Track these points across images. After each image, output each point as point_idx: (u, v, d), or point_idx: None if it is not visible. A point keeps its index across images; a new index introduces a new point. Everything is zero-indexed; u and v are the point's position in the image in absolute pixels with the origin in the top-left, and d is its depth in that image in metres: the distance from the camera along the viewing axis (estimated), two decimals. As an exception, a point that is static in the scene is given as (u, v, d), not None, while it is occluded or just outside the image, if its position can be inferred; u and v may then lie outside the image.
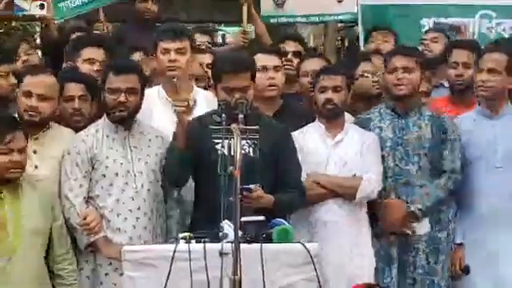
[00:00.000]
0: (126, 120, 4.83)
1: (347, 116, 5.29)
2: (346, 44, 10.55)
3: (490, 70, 5.16)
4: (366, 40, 7.04)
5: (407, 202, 5.09)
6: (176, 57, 5.14)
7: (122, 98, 4.74)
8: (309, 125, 5.13)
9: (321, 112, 5.10)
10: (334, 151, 5.03)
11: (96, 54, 5.57)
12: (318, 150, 5.02)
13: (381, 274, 5.08)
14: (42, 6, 6.21)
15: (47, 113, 4.83)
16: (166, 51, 5.16)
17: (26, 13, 6.32)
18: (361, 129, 5.16)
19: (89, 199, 4.77)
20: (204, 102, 5.13)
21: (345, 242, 4.94)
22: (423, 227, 5.12)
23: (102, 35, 6.58)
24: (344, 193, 4.98)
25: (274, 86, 5.31)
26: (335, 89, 5.04)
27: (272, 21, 7.14)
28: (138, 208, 4.75)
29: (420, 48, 6.19)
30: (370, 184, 4.97)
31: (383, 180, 5.10)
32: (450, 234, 5.19)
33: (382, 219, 5.11)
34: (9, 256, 4.46)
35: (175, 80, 4.93)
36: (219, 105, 4.65)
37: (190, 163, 4.64)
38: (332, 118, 5.07)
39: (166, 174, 4.77)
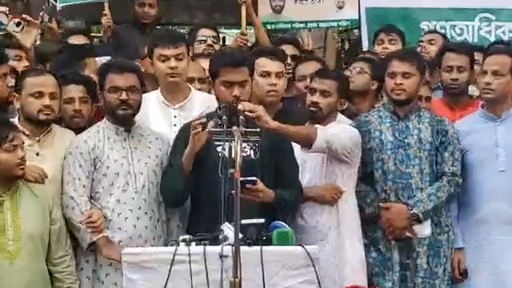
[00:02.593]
0: (128, 119, 4.84)
1: (345, 119, 5.26)
2: (347, 46, 10.57)
3: (494, 73, 5.17)
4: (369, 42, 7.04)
5: (408, 205, 5.07)
6: (176, 63, 5.12)
7: (124, 96, 4.76)
8: None
9: (307, 114, 5.07)
10: (309, 157, 4.94)
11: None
12: (297, 152, 4.88)
13: (381, 278, 5.07)
14: (18, 24, 6.19)
15: (57, 111, 4.87)
16: (166, 58, 5.12)
17: (3, 27, 6.31)
18: (340, 125, 5.03)
19: (90, 199, 4.78)
20: (201, 103, 5.14)
21: (326, 246, 4.86)
22: (424, 230, 5.10)
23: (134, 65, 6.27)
24: (298, 139, 4.78)
25: (274, 91, 5.30)
26: (323, 93, 5.00)
27: (270, 27, 7.11)
28: (139, 208, 4.76)
29: (417, 50, 6.18)
30: (327, 134, 4.78)
31: (385, 182, 5.10)
32: (450, 236, 5.18)
33: (383, 224, 5.10)
34: (10, 260, 4.48)
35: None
36: (219, 107, 4.66)
37: (191, 186, 4.63)
38: (315, 121, 5.01)
39: (165, 194, 4.74)
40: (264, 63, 5.21)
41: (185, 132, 4.72)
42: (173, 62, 5.11)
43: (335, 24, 7.34)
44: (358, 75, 5.66)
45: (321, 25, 7.33)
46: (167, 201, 4.79)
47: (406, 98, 5.18)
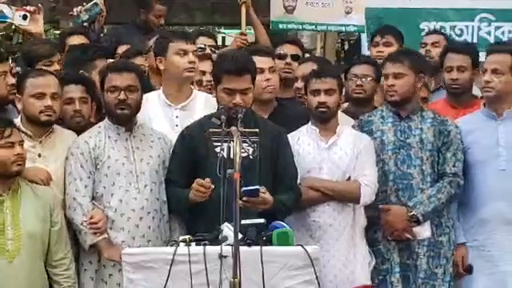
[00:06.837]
0: (127, 119, 4.83)
1: (347, 118, 5.27)
2: (346, 47, 10.57)
3: (494, 71, 5.15)
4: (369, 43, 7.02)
5: (408, 206, 5.07)
6: (194, 59, 5.14)
7: (122, 95, 4.76)
8: (302, 128, 5.09)
9: (314, 115, 5.06)
10: (328, 154, 4.99)
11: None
12: (311, 154, 4.98)
13: (382, 279, 5.06)
14: (24, 17, 6.19)
15: (59, 112, 4.87)
16: (185, 52, 5.12)
17: (8, 21, 6.30)
18: (354, 131, 5.13)
19: (92, 199, 4.78)
20: (203, 104, 5.14)
21: (340, 244, 4.90)
22: (424, 232, 5.09)
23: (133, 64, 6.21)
24: (344, 199, 4.96)
25: (271, 87, 5.27)
26: (327, 92, 4.99)
27: (281, 26, 7.11)
28: (142, 208, 4.76)
29: (421, 52, 6.15)
30: (370, 188, 4.96)
31: (385, 183, 5.09)
32: (451, 237, 5.17)
33: (383, 225, 5.09)
34: (9, 260, 4.48)
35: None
36: (219, 108, 4.66)
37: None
38: (325, 121, 5.03)
39: (173, 210, 4.82)
40: (256, 61, 5.21)
41: (185, 136, 4.74)
42: (192, 57, 5.12)
43: (343, 28, 7.31)
44: (365, 82, 5.63)
45: (330, 28, 7.29)
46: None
47: (400, 98, 5.15)
